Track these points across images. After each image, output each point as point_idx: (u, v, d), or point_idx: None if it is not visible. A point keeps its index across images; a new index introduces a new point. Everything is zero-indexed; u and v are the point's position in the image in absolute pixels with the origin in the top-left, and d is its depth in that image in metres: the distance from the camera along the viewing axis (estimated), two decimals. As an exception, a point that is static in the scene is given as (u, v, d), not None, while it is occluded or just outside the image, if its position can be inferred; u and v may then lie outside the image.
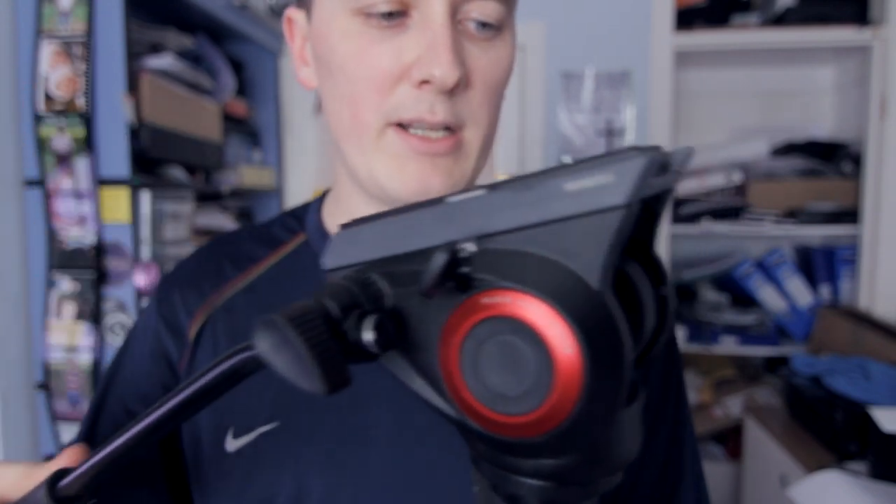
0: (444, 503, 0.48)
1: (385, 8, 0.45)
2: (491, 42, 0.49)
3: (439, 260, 0.26)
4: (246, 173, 1.77)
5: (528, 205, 0.26)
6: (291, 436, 0.50)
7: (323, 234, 0.57)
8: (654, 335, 0.31)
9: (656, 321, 0.31)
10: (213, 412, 0.52)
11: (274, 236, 0.59)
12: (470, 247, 0.27)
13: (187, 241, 1.41)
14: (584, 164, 0.25)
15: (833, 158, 2.23)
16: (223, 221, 1.71)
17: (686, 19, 2.05)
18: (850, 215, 2.09)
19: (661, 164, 0.25)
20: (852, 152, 2.18)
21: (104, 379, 0.60)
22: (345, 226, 0.33)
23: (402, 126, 0.48)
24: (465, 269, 0.26)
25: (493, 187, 0.27)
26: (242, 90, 1.88)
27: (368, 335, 0.27)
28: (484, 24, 0.48)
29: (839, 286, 2.20)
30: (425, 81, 0.46)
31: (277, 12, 1.90)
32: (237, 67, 1.83)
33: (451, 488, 0.48)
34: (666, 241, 2.09)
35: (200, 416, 0.53)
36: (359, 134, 0.49)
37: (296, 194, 2.09)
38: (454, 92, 0.47)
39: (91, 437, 0.56)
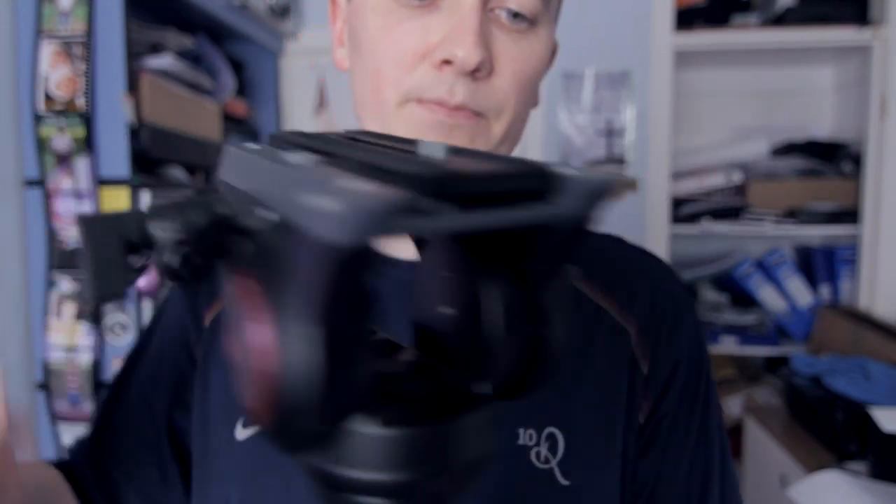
0: None
1: None
2: (523, 34, 0.49)
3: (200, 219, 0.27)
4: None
5: (281, 190, 0.22)
6: None
7: None
8: (521, 374, 0.27)
9: (523, 359, 0.27)
10: (226, 399, 0.53)
11: None
12: (269, 216, 0.24)
13: (187, 241, 1.41)
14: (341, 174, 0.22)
15: (833, 158, 2.23)
16: (223, 221, 1.70)
17: (686, 19, 2.05)
18: (850, 215, 2.09)
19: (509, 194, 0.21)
20: (852, 152, 2.18)
21: (127, 361, 0.60)
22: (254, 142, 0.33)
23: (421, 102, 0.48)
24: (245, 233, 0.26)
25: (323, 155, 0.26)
26: (242, 90, 1.88)
27: (173, 262, 0.27)
28: (516, 15, 0.48)
29: (839, 286, 2.20)
30: (446, 62, 0.46)
31: (277, 12, 1.90)
32: (237, 67, 1.83)
33: None
34: (666, 241, 2.09)
35: (212, 403, 0.53)
36: (379, 108, 0.50)
37: (296, 194, 2.09)
38: (476, 77, 0.47)
39: (106, 421, 0.57)
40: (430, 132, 0.48)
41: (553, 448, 0.49)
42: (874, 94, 2.01)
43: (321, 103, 2.17)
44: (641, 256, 0.60)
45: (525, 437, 0.49)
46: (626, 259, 0.59)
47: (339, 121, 2.13)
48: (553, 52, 0.55)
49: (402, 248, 0.52)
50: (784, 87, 2.40)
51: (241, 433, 0.52)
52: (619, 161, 2.09)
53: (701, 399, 0.56)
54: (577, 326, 0.53)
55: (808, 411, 1.72)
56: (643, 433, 0.54)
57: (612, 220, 0.62)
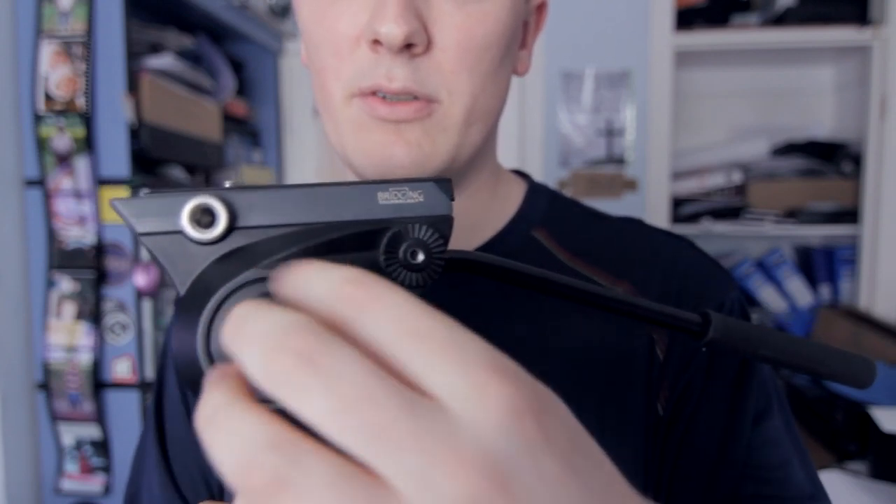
0: None
1: None
2: None
3: None
4: (246, 173, 1.77)
5: None
6: None
7: None
8: None
9: None
10: None
11: None
12: None
13: (187, 241, 1.41)
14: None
15: (833, 158, 2.23)
16: (223, 221, 1.70)
17: (686, 19, 2.05)
18: (850, 215, 2.09)
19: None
20: (852, 152, 2.18)
21: (150, 413, 0.58)
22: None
23: (371, 95, 0.43)
24: None
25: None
26: (242, 90, 1.88)
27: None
28: None
29: (839, 286, 2.20)
30: (376, 41, 0.40)
31: (277, 12, 1.90)
32: (237, 67, 1.83)
33: None
34: (666, 241, 2.09)
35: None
36: (328, 106, 0.45)
37: (296, 194, 2.09)
38: (414, 53, 0.41)
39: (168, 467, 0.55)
40: (375, 131, 0.43)
41: None
42: (874, 94, 2.00)
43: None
44: (659, 236, 0.55)
45: None
46: (642, 241, 0.54)
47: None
48: (523, 10, 0.47)
49: None
50: (784, 87, 2.40)
51: None
52: (619, 161, 2.09)
53: (732, 380, 0.48)
54: (585, 324, 0.49)
55: (808, 411, 1.72)
56: (662, 425, 0.48)
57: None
